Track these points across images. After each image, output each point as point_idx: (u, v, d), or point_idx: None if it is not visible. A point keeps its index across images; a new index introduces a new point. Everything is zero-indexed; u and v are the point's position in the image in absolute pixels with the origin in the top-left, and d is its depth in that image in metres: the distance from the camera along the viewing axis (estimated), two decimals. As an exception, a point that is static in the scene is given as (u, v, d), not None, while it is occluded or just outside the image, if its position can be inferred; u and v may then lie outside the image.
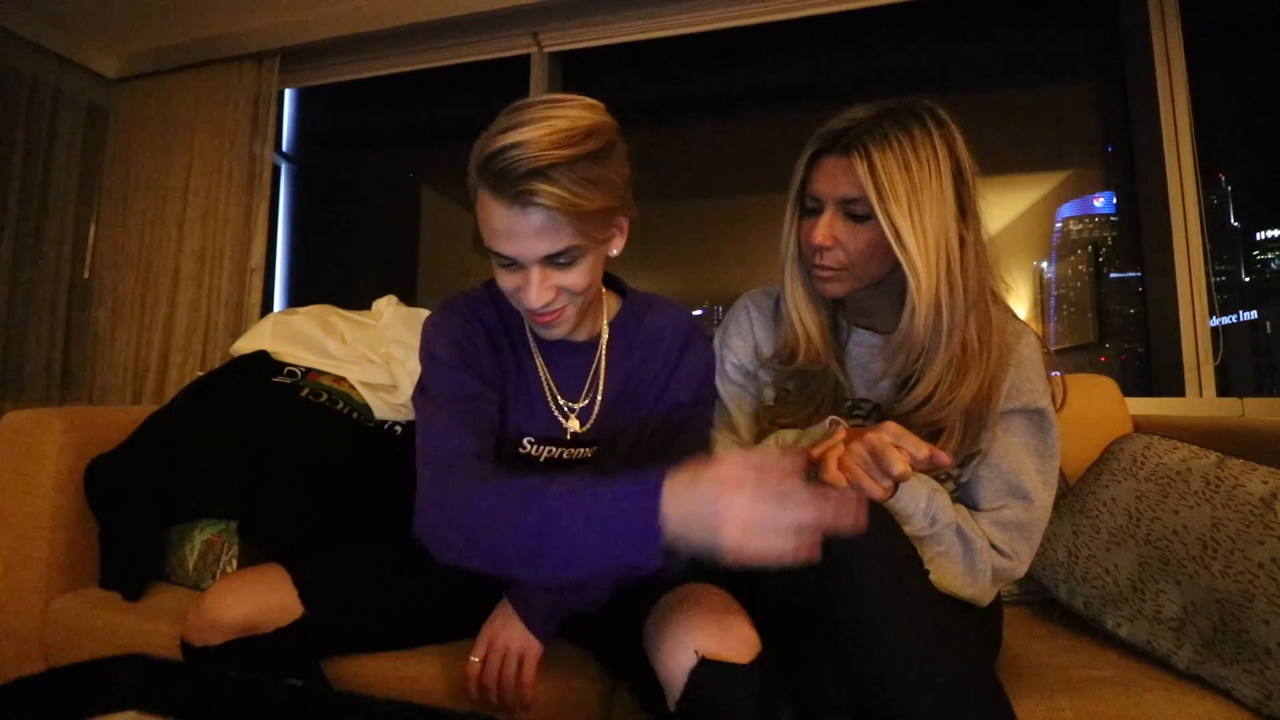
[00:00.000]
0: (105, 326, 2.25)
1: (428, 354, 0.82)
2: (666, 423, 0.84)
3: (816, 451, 0.67)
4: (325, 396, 1.22)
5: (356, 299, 1.60)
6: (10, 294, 2.13)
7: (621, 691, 0.80)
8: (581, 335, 0.85)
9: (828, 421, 0.74)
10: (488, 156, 0.64)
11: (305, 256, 2.52)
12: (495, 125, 0.66)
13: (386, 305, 1.56)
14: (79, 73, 2.28)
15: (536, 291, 0.69)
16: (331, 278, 2.47)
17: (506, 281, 0.72)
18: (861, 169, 0.70)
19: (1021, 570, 0.79)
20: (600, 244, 0.72)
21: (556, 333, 0.77)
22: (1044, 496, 0.79)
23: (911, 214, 0.69)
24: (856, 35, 1.97)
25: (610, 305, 0.89)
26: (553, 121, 0.63)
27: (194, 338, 2.15)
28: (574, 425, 0.83)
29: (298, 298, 2.49)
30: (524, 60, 2.13)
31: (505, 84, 2.18)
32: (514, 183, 0.63)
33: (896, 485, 0.68)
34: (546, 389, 0.84)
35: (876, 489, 0.63)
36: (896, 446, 0.61)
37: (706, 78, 2.13)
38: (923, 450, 0.61)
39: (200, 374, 1.36)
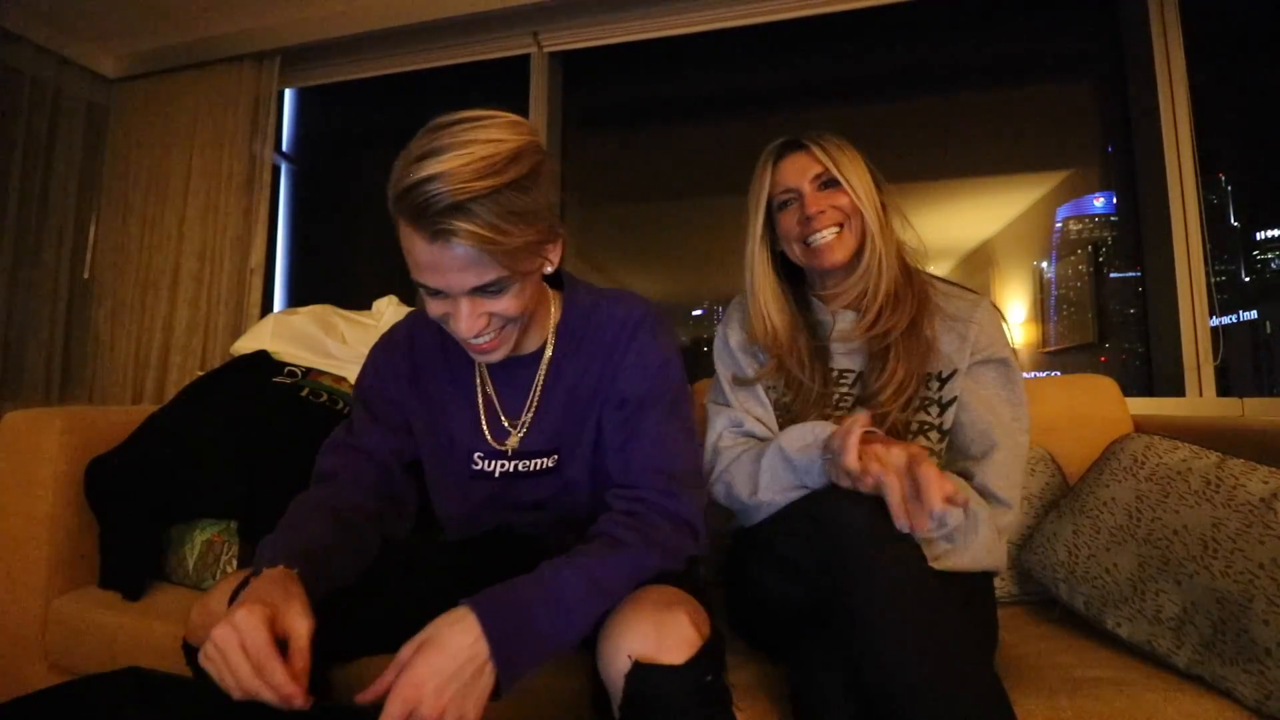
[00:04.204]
0: (105, 326, 2.25)
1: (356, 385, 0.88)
2: (619, 421, 0.79)
3: (840, 439, 0.73)
4: (325, 396, 1.22)
5: (356, 299, 1.60)
6: (10, 294, 2.13)
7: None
8: (529, 347, 0.83)
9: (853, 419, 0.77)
10: (405, 189, 0.60)
11: (305, 256, 2.52)
12: (413, 147, 0.62)
13: (387, 305, 1.56)
14: (79, 73, 2.28)
15: (467, 322, 0.68)
16: (331, 278, 2.47)
17: (435, 309, 0.70)
18: (819, 152, 0.93)
19: (1016, 511, 0.90)
20: (529, 273, 0.69)
21: (496, 357, 0.74)
22: (1021, 440, 0.90)
23: (858, 176, 0.92)
24: (857, 35, 1.97)
25: (555, 309, 0.84)
26: (473, 149, 0.60)
27: (194, 338, 2.15)
28: (514, 441, 0.82)
29: (298, 298, 2.49)
30: (524, 60, 2.13)
31: (505, 84, 2.17)
32: (433, 219, 0.60)
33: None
34: (493, 402, 0.83)
35: (895, 486, 0.66)
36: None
37: (706, 77, 2.13)
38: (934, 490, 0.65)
39: (200, 374, 1.37)
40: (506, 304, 0.68)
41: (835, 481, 0.74)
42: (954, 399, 0.90)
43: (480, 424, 0.83)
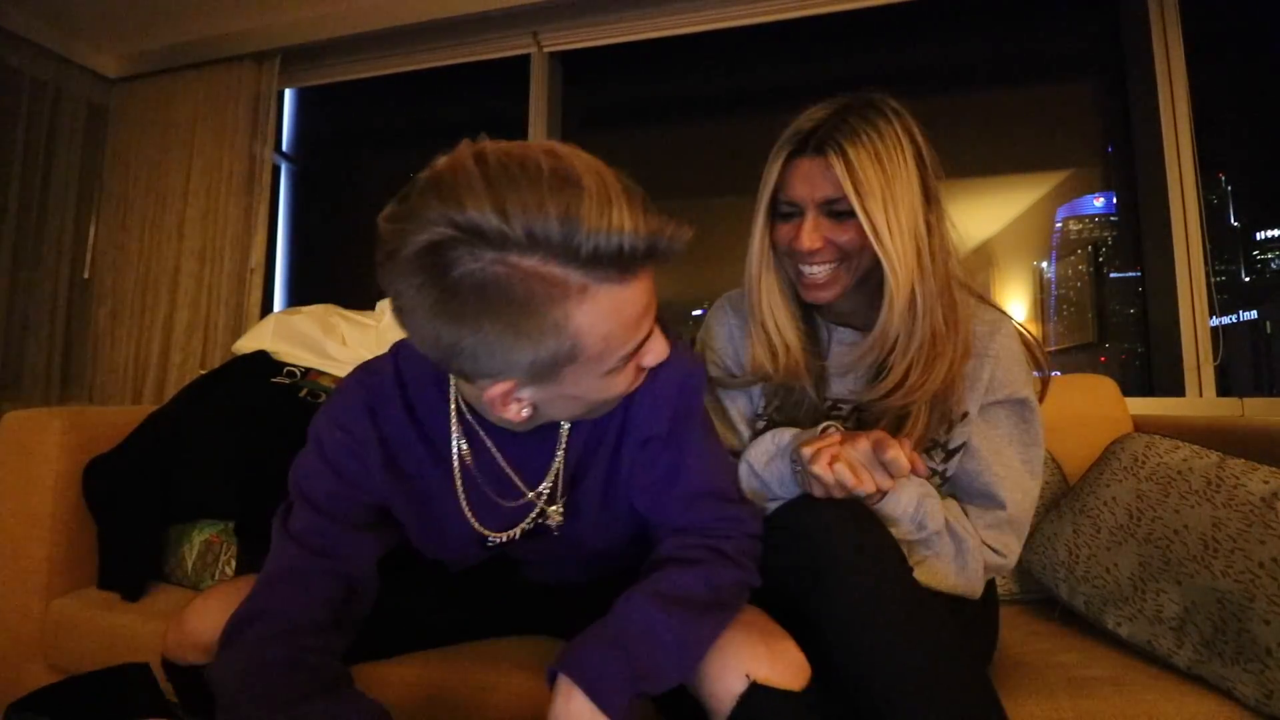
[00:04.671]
0: (105, 326, 2.25)
1: (295, 482, 0.70)
2: (646, 460, 0.69)
3: (809, 449, 0.67)
4: (324, 397, 1.22)
5: (356, 299, 1.60)
6: (10, 294, 2.13)
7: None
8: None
9: (821, 427, 0.74)
10: None
11: (305, 256, 2.52)
12: None
13: (389, 305, 1.56)
14: (79, 73, 2.28)
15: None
16: (331, 278, 2.47)
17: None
18: (839, 167, 0.70)
19: (1013, 562, 0.81)
20: None
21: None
22: (1030, 486, 0.80)
23: (887, 208, 0.69)
24: (857, 35, 1.97)
25: None
26: None
27: (194, 338, 2.15)
28: (552, 515, 0.70)
29: (298, 298, 2.49)
30: (524, 60, 2.13)
31: (505, 84, 2.18)
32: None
33: (882, 493, 0.68)
34: (504, 471, 0.68)
35: (869, 484, 0.64)
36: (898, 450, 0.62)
37: (706, 77, 2.13)
38: (904, 463, 0.62)
39: (200, 374, 1.37)
40: None
41: (808, 490, 0.70)
42: (962, 445, 0.79)
43: (483, 526, 0.70)
